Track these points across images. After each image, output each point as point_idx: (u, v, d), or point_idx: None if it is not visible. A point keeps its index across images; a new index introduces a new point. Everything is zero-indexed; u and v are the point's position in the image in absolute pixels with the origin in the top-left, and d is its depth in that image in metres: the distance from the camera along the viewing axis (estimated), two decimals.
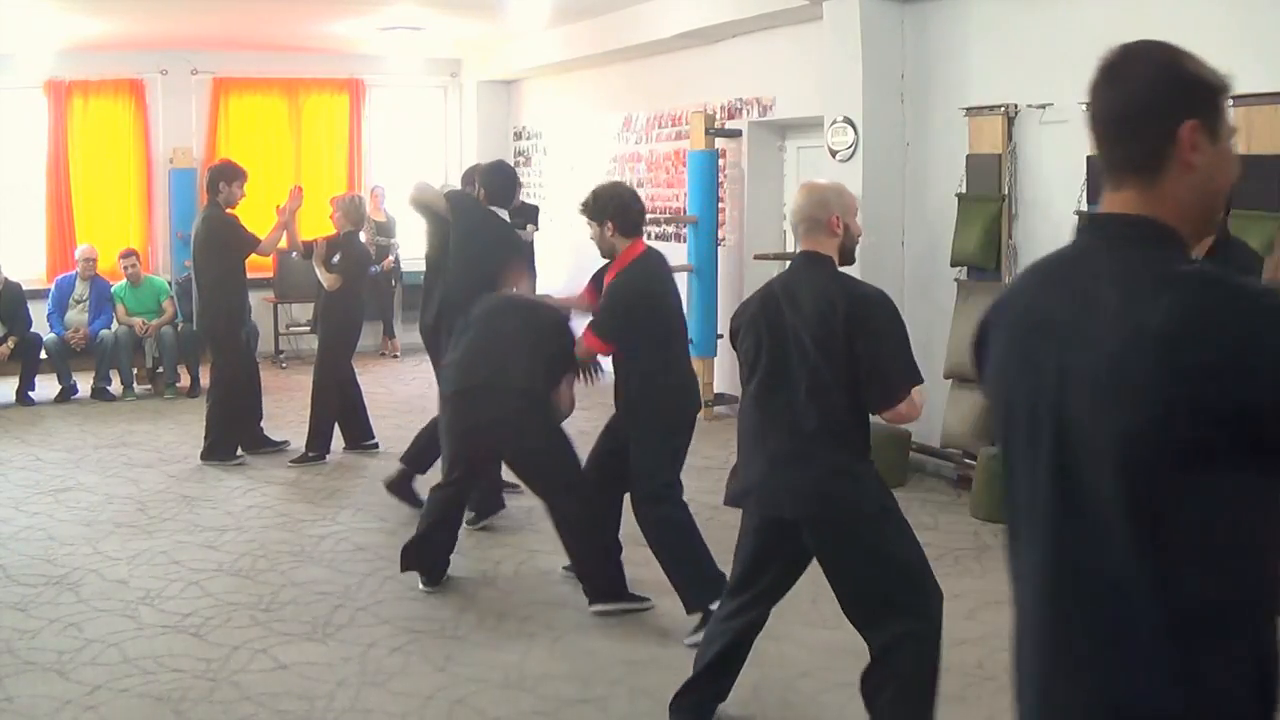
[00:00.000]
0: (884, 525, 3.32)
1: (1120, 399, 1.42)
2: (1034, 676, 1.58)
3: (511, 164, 12.02)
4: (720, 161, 8.63)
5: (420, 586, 5.00)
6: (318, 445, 7.16)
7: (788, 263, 7.71)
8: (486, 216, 5.97)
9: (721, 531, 5.85)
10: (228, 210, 7.15)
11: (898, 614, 3.29)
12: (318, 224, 11.76)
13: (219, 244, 7.09)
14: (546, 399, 4.81)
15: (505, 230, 6.06)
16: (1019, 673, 1.62)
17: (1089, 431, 1.46)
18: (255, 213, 11.54)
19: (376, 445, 7.43)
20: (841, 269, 3.43)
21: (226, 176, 7.16)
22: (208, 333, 7.35)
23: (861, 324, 3.23)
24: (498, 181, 6.11)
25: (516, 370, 4.72)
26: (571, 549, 4.83)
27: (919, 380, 3.33)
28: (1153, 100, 1.56)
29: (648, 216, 10.03)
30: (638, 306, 4.53)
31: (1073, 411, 1.48)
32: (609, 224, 4.59)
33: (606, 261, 4.70)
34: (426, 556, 4.99)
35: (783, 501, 3.39)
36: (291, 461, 7.16)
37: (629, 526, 4.71)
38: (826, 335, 3.25)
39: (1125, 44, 1.60)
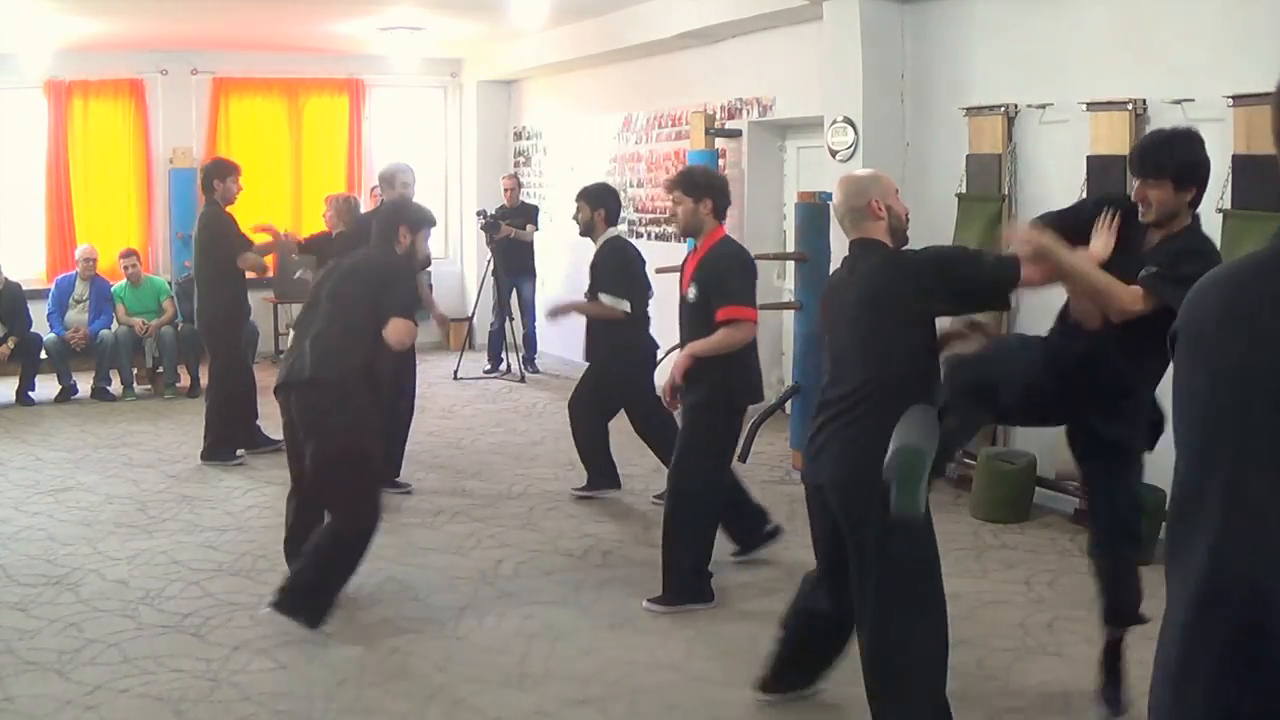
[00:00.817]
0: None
1: None
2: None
3: (512, 164, 12.08)
4: (720, 161, 8.63)
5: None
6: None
7: (788, 263, 7.79)
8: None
9: (722, 531, 5.86)
10: (226, 207, 7.16)
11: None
12: (318, 226, 11.79)
13: (215, 240, 7.12)
14: (356, 395, 4.44)
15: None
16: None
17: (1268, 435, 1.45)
18: (255, 213, 11.60)
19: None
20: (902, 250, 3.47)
21: (219, 173, 7.20)
22: (205, 330, 7.37)
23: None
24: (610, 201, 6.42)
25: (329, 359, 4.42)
26: (304, 570, 4.47)
27: None
28: None
29: (646, 217, 10.11)
30: (753, 275, 4.77)
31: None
32: (707, 202, 4.73)
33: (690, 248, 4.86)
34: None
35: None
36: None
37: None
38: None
39: None
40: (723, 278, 4.69)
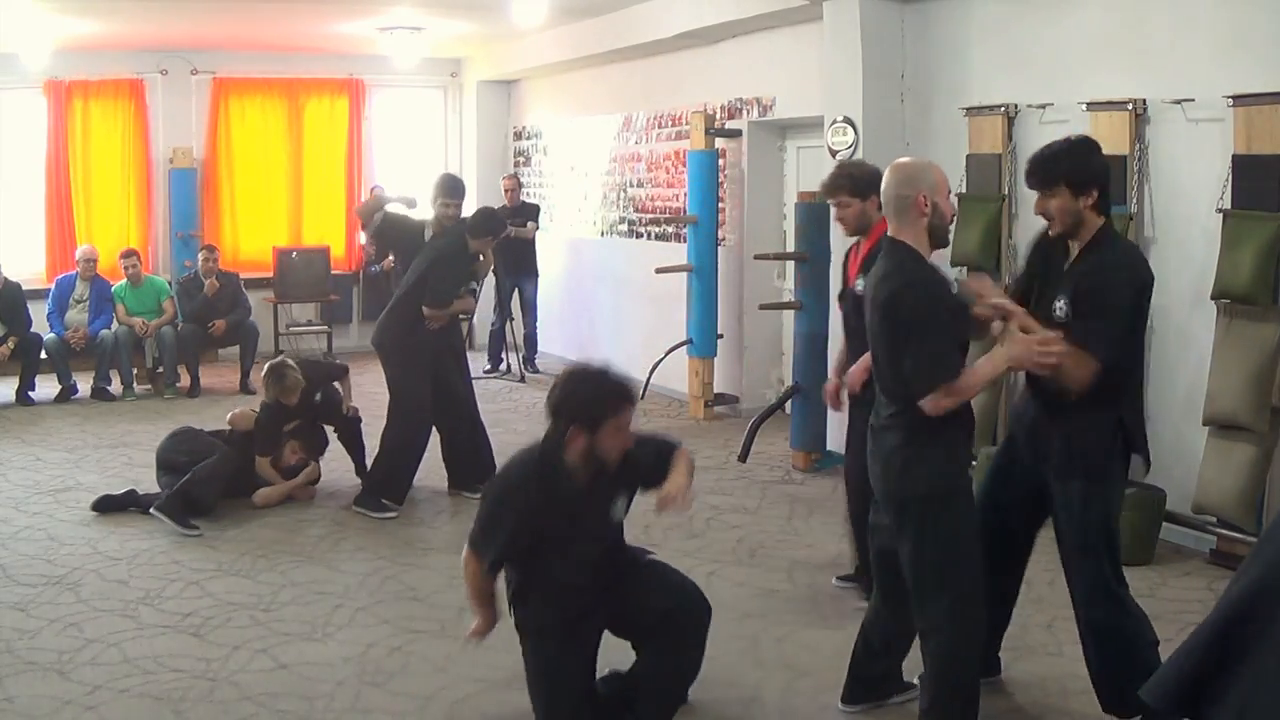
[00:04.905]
0: (933, 510, 3.35)
1: None
2: None
3: (512, 164, 12.08)
4: (720, 161, 8.63)
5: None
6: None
7: (788, 262, 7.78)
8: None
9: (721, 532, 5.87)
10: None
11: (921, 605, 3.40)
12: (318, 226, 11.81)
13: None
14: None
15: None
16: None
17: None
18: (255, 212, 11.66)
19: None
20: (935, 251, 3.39)
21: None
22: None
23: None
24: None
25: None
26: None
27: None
28: None
29: (646, 217, 10.11)
30: None
31: None
32: (874, 198, 4.47)
33: (856, 240, 4.72)
34: None
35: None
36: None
37: None
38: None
39: None
40: None
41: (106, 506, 6.13)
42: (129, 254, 9.72)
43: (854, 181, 4.61)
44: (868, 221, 4.59)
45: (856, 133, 6.86)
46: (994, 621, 3.75)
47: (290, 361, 6.50)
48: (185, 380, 9.57)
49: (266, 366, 6.47)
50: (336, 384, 6.67)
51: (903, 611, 3.53)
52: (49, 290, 9.71)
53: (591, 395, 3.40)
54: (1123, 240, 3.59)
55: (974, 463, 6.14)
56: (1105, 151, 3.62)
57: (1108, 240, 3.45)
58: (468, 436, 6.52)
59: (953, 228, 3.45)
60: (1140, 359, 3.67)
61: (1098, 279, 3.38)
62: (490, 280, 10.35)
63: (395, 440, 6.25)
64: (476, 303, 7.08)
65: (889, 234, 3.38)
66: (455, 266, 6.29)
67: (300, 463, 6.46)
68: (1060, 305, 3.43)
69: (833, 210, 4.78)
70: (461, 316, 6.79)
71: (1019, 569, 3.86)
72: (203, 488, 5.98)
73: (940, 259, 3.55)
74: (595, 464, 3.42)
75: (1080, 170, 3.40)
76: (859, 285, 4.40)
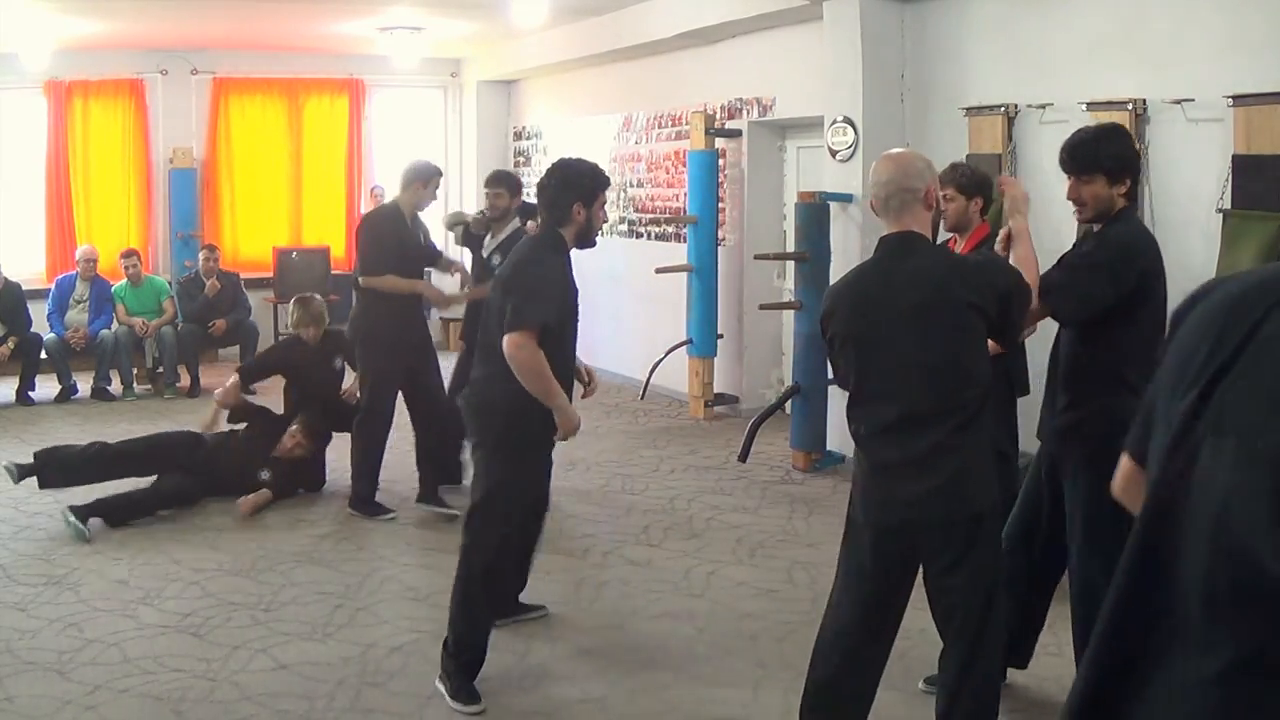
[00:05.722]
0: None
1: None
2: None
3: (512, 164, 12.08)
4: (720, 161, 8.63)
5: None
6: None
7: (788, 262, 7.78)
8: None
9: (721, 532, 5.87)
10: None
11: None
12: (318, 226, 11.81)
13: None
14: None
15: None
16: None
17: None
18: (256, 212, 11.66)
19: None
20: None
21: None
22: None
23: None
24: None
25: None
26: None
27: None
28: None
29: (647, 217, 10.10)
30: None
31: None
32: (979, 199, 4.60)
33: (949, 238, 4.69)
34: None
35: None
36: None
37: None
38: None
39: None
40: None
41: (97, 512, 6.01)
42: (129, 254, 9.73)
43: (965, 178, 4.66)
44: (968, 221, 4.65)
45: (856, 133, 6.86)
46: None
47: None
48: (185, 380, 9.57)
49: (295, 298, 6.85)
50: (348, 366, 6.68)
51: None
52: (49, 290, 9.72)
53: (587, 171, 4.06)
54: (1137, 220, 3.58)
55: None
56: None
57: (1124, 216, 3.47)
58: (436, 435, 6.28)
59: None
60: (1140, 340, 3.36)
61: (1093, 241, 3.40)
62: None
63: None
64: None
65: (893, 229, 3.12)
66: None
67: (298, 452, 6.41)
68: None
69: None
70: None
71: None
72: (133, 509, 5.98)
73: None
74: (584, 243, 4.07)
75: (1118, 158, 3.43)
76: None
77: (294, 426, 6.43)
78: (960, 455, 3.02)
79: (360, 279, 6.10)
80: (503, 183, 6.54)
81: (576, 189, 3.99)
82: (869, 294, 3.13)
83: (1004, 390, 4.65)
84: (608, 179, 4.16)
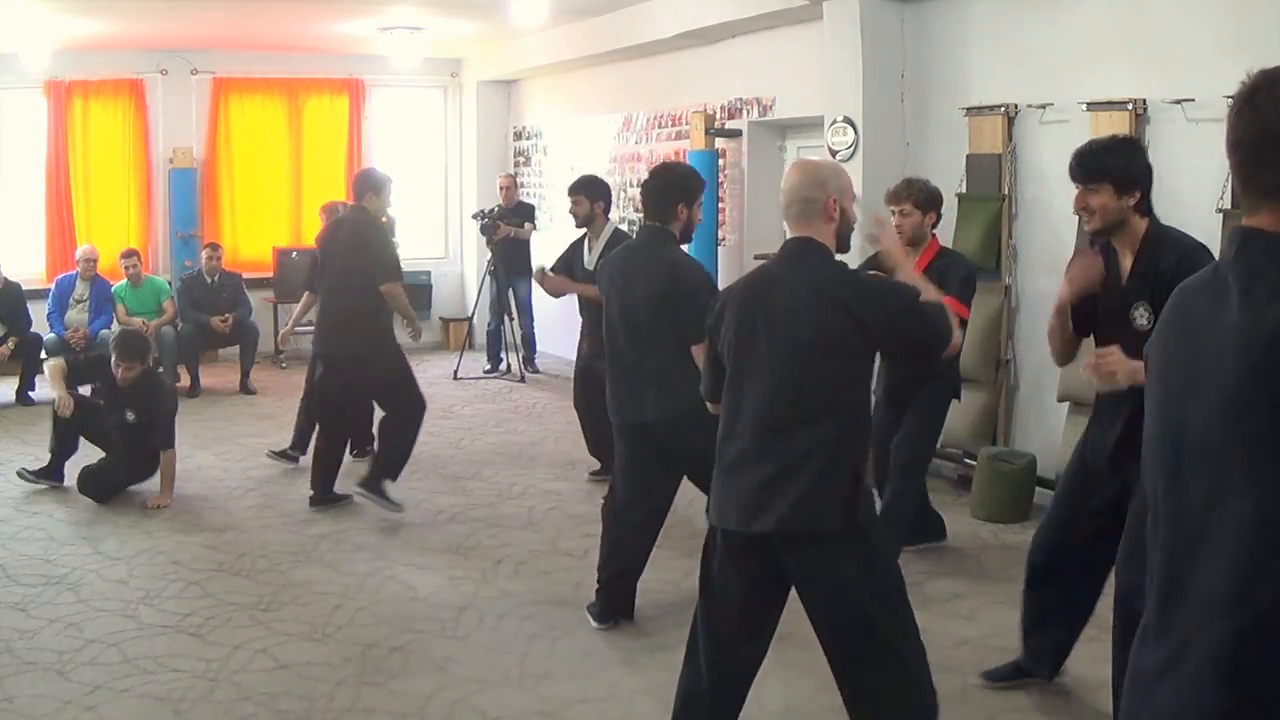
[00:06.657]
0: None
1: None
2: None
3: (512, 164, 12.08)
4: (720, 161, 8.63)
5: None
6: (301, 445, 7.14)
7: None
8: None
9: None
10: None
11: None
12: (318, 226, 11.78)
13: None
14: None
15: None
16: None
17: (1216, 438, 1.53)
18: (256, 212, 11.66)
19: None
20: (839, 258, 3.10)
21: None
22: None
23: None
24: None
25: None
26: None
27: None
28: None
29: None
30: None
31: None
32: (932, 214, 4.89)
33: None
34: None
35: None
36: (271, 454, 7.24)
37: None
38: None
39: (1264, 70, 1.58)
40: (964, 277, 4.83)
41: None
42: (129, 254, 9.73)
43: (921, 193, 4.87)
44: (923, 235, 4.88)
45: (856, 133, 6.86)
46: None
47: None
48: (185, 380, 9.57)
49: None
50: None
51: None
52: (49, 290, 9.73)
53: (688, 174, 4.50)
54: (1176, 231, 3.51)
55: (975, 463, 6.19)
56: None
57: (1169, 237, 3.43)
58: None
59: (854, 236, 3.16)
60: None
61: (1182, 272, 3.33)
62: (488, 281, 10.37)
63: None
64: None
65: (800, 233, 3.06)
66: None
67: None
68: (1141, 312, 3.34)
69: (893, 217, 4.82)
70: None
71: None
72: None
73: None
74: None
75: (1126, 168, 3.39)
76: None
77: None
78: (815, 469, 2.91)
79: (383, 285, 6.11)
80: (580, 190, 6.51)
81: (680, 190, 4.39)
82: (757, 296, 3.05)
83: (944, 393, 5.02)
84: (704, 181, 4.58)
